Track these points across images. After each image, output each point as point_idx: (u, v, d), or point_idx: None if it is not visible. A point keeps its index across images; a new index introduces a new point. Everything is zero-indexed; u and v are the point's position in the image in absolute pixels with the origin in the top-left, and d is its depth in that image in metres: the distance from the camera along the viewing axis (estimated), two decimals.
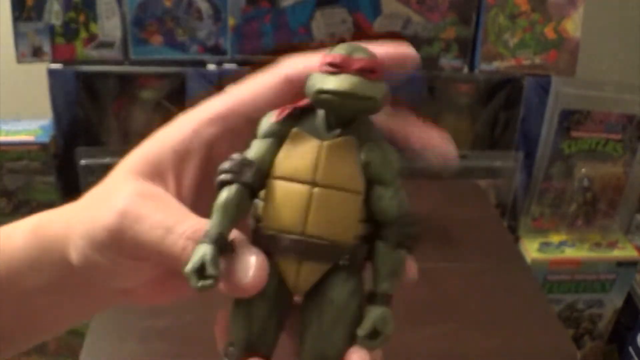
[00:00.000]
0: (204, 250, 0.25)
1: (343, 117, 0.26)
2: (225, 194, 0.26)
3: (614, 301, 1.27)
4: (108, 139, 1.19)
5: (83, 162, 1.10)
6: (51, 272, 0.32)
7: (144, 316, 0.75)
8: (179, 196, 0.30)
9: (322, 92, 0.25)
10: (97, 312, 0.37)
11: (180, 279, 0.27)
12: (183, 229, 0.27)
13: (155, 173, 0.29)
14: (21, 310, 0.34)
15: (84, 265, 0.30)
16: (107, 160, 1.08)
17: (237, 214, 0.26)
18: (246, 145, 0.27)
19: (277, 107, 0.28)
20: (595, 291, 1.26)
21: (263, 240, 0.26)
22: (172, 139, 0.30)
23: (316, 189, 0.25)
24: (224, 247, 0.25)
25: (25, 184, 1.13)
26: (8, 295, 0.33)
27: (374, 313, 0.26)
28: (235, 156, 0.26)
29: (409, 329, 0.77)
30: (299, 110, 0.27)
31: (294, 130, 0.26)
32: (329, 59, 0.26)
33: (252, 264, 0.25)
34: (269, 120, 0.27)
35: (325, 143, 0.26)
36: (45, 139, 1.11)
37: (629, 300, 1.28)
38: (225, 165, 0.26)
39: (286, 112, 0.26)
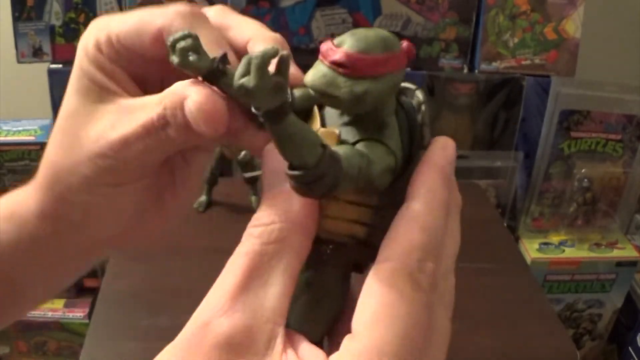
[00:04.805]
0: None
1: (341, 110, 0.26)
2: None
3: (614, 301, 1.27)
4: None
5: None
6: (22, 227, 0.35)
7: (144, 316, 0.75)
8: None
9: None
10: (74, 270, 0.38)
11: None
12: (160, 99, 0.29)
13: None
14: None
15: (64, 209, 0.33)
16: None
17: None
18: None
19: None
20: (595, 291, 1.26)
21: None
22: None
23: None
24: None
25: (25, 184, 1.13)
26: None
27: None
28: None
29: None
30: None
31: (315, 109, 0.28)
32: (321, 46, 0.25)
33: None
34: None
35: (320, 130, 0.26)
36: (45, 139, 1.11)
37: (628, 300, 1.28)
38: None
39: None
